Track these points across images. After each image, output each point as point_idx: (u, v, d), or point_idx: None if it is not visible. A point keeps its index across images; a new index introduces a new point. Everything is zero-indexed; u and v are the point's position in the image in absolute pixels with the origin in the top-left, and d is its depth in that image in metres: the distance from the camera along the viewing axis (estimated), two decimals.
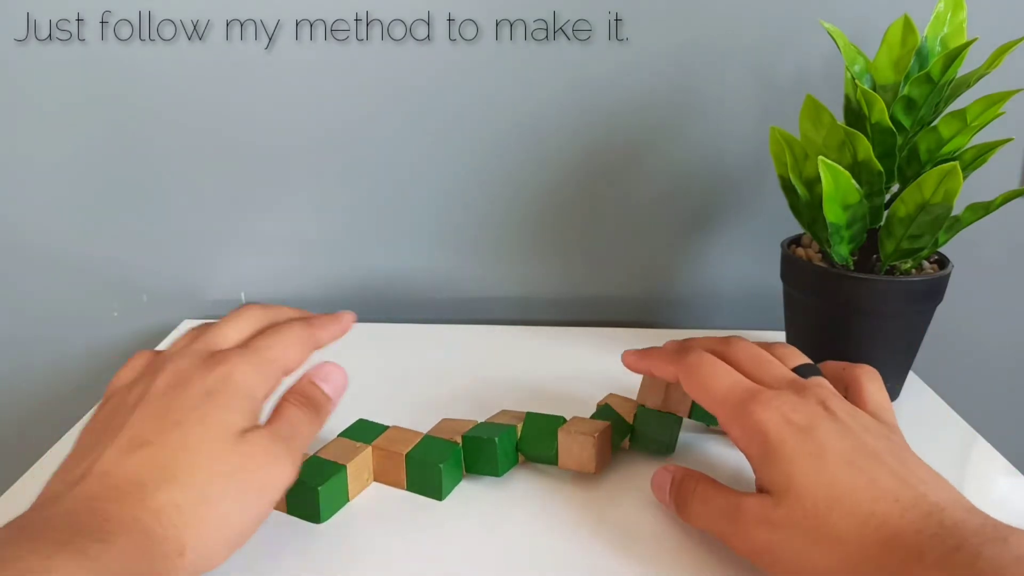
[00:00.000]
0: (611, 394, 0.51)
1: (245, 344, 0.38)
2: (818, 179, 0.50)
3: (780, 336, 0.65)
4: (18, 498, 0.44)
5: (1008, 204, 0.52)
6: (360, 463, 0.44)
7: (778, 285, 0.59)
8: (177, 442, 0.33)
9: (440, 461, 0.44)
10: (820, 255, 0.56)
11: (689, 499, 0.40)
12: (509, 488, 0.45)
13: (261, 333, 0.39)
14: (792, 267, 0.56)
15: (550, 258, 0.71)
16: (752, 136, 0.66)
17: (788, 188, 0.56)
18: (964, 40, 0.51)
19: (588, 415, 0.48)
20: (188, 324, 0.69)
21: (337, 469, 0.43)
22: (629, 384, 0.58)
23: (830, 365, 0.44)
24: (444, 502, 0.44)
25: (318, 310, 0.70)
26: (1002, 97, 0.49)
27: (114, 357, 0.72)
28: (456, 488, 0.45)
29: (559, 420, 0.46)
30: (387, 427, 0.47)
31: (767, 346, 0.43)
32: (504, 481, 0.46)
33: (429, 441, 0.46)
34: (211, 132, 0.66)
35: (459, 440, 0.45)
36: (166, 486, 0.32)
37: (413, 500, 0.44)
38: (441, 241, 0.70)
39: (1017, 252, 0.70)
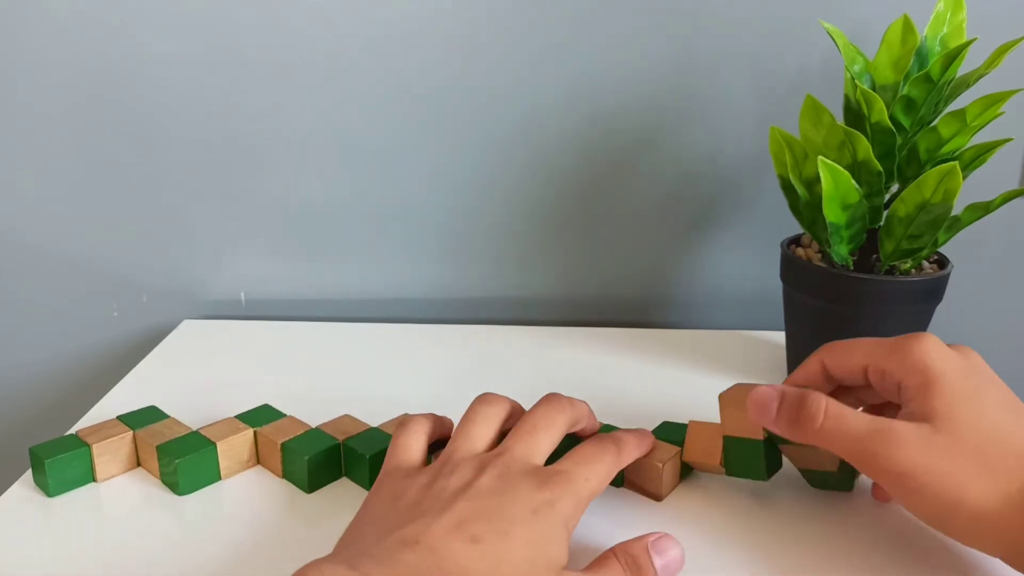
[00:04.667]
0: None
1: (563, 471, 0.37)
2: (818, 179, 0.50)
3: (780, 336, 0.65)
4: (18, 498, 0.44)
5: (1008, 204, 0.52)
6: (238, 444, 0.46)
7: (778, 285, 0.59)
8: (503, 552, 0.33)
9: (309, 455, 0.44)
10: (820, 255, 0.56)
11: (816, 415, 0.38)
12: None
13: (575, 456, 0.39)
14: (792, 267, 0.56)
15: (550, 258, 0.71)
16: (752, 136, 0.67)
17: (788, 188, 0.56)
18: (964, 40, 0.51)
19: None
20: (188, 324, 0.70)
21: (206, 445, 0.45)
22: (630, 385, 0.59)
23: None
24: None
25: (318, 310, 0.71)
26: (1002, 97, 0.49)
27: (114, 357, 0.73)
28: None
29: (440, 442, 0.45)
30: (284, 415, 0.48)
31: None
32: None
33: (312, 434, 0.46)
34: (211, 132, 0.66)
35: (341, 438, 0.46)
36: None
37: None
38: (441, 241, 0.70)
39: (1017, 252, 0.70)
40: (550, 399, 0.42)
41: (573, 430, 0.43)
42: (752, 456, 0.42)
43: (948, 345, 0.39)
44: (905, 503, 0.37)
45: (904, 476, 0.36)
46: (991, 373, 0.38)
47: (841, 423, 0.37)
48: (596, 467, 0.38)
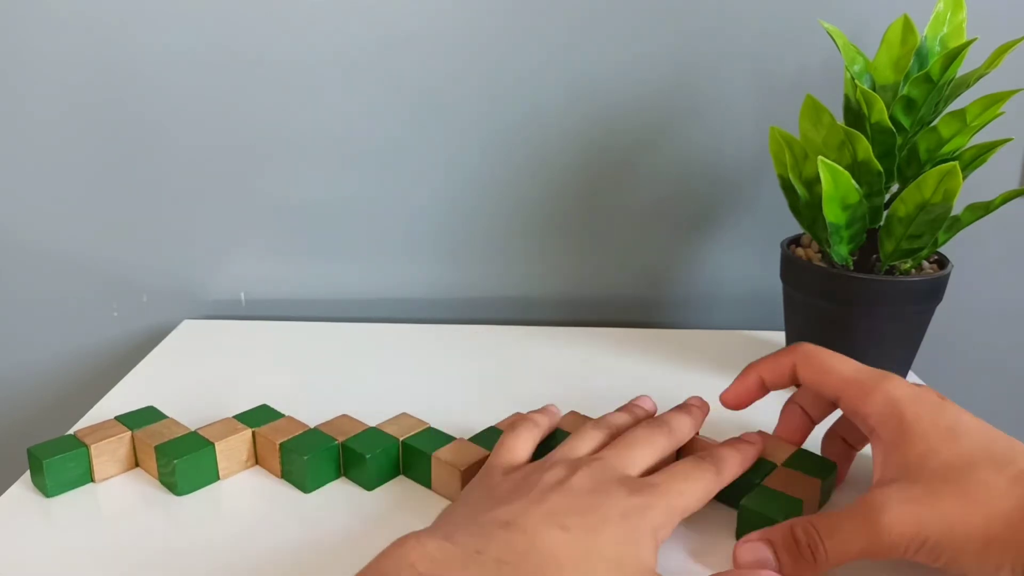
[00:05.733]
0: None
1: (656, 483, 0.37)
2: (818, 179, 0.50)
3: (780, 336, 0.65)
4: (17, 499, 0.44)
5: (1008, 204, 0.52)
6: (236, 444, 0.46)
7: (778, 285, 0.59)
8: (591, 546, 0.33)
9: (308, 455, 0.44)
10: (820, 255, 0.56)
11: (818, 547, 0.36)
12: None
13: (671, 471, 0.38)
14: (792, 267, 0.56)
15: (550, 258, 0.71)
16: (752, 136, 0.67)
17: (788, 188, 0.56)
18: (964, 40, 0.51)
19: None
20: (188, 324, 0.70)
21: (204, 445, 0.45)
22: (630, 385, 0.58)
23: None
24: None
25: (318, 310, 0.71)
26: (1002, 97, 0.49)
27: (114, 357, 0.73)
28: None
29: (441, 441, 0.45)
30: (283, 415, 0.48)
31: None
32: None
33: (311, 435, 0.46)
34: (211, 132, 0.66)
35: (340, 439, 0.46)
36: None
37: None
38: (441, 241, 0.70)
39: (1017, 252, 0.70)
40: (653, 420, 0.43)
41: (672, 451, 0.42)
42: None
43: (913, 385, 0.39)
44: (920, 561, 0.35)
45: (901, 542, 0.34)
46: (955, 406, 0.38)
47: (838, 537, 0.35)
48: (691, 484, 0.38)
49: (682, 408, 0.45)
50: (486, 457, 0.44)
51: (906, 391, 0.38)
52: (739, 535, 0.40)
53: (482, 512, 0.35)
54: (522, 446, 0.42)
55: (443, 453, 0.44)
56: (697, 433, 0.45)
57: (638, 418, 0.45)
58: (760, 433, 0.45)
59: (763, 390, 0.44)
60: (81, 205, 0.68)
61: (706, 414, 0.46)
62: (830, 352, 0.42)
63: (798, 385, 0.44)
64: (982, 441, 0.36)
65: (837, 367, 0.41)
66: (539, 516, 0.34)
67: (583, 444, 0.41)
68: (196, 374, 0.60)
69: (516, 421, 0.44)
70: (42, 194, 0.68)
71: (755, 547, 0.37)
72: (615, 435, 0.42)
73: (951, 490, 0.35)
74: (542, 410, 0.47)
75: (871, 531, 0.35)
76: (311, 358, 0.63)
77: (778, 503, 0.39)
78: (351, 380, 0.59)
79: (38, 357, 0.72)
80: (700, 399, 0.46)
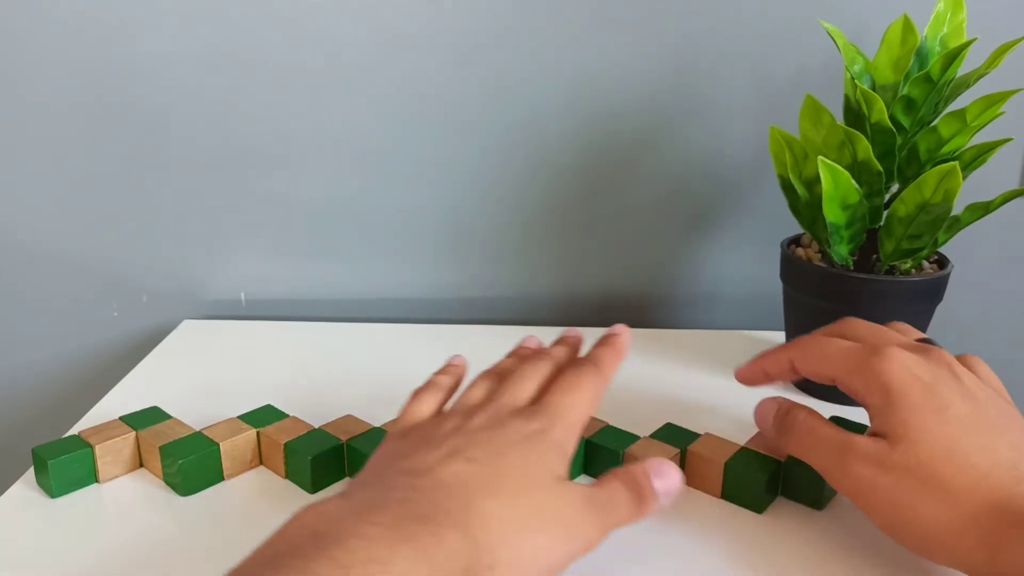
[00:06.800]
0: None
1: (547, 403, 0.38)
2: (818, 179, 0.50)
3: (780, 336, 0.65)
4: (21, 499, 0.44)
5: (1008, 204, 0.52)
6: (240, 444, 0.46)
7: (778, 285, 0.59)
8: (500, 466, 0.34)
9: (313, 455, 0.44)
10: (820, 255, 0.57)
11: (794, 428, 0.40)
12: None
13: (557, 388, 0.39)
14: (792, 267, 0.56)
15: (550, 258, 0.71)
16: (752, 136, 0.67)
17: (788, 188, 0.56)
18: (964, 40, 0.51)
19: None
20: (188, 324, 0.70)
21: (209, 446, 0.45)
22: (631, 385, 0.59)
23: None
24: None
25: (318, 310, 0.71)
26: (1002, 97, 0.49)
27: (114, 357, 0.72)
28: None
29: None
30: (287, 415, 0.48)
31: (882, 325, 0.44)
32: None
33: (315, 435, 0.46)
34: (212, 132, 0.66)
35: (344, 439, 0.46)
36: (491, 499, 0.32)
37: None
38: (441, 241, 0.70)
39: (1017, 252, 0.70)
40: (534, 355, 0.43)
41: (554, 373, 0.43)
42: (754, 482, 0.43)
43: (918, 349, 0.39)
44: (864, 511, 0.37)
45: (856, 491, 0.37)
46: (960, 386, 0.37)
47: (812, 437, 0.39)
48: (580, 394, 0.39)
49: (561, 340, 0.46)
50: None
51: (894, 366, 0.37)
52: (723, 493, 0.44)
53: (384, 469, 0.35)
54: (424, 410, 0.41)
55: None
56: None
57: (524, 358, 0.44)
58: (623, 326, 0.45)
59: (770, 380, 0.45)
60: (81, 205, 0.68)
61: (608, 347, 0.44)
62: (826, 339, 0.42)
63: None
64: (963, 436, 0.35)
65: (830, 353, 0.41)
66: (441, 458, 0.34)
67: (475, 393, 0.41)
68: (196, 374, 0.60)
69: (418, 388, 0.43)
70: (42, 194, 0.68)
71: (766, 405, 0.43)
72: (505, 379, 0.42)
73: (919, 473, 0.35)
74: (445, 368, 0.45)
75: (833, 463, 0.38)
76: (311, 358, 0.63)
77: (760, 462, 0.43)
78: (351, 380, 0.59)
79: (38, 357, 0.72)
80: (623, 327, 0.46)
